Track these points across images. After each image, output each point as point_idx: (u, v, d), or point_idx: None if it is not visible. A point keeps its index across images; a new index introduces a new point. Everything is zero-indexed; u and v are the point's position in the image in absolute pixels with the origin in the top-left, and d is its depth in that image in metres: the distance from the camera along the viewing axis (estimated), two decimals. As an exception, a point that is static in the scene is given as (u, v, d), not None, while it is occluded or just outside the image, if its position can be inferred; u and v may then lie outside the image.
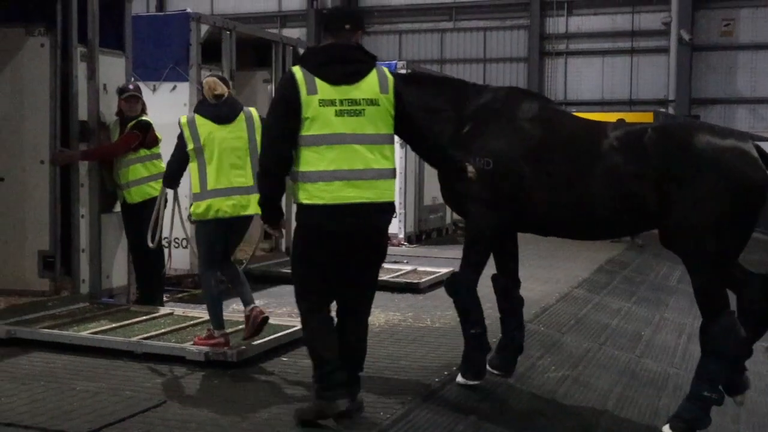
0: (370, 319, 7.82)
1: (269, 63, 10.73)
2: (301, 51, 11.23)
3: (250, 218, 6.29)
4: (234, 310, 8.19)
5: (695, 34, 25.34)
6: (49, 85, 7.50)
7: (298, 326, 6.88)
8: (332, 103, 4.42)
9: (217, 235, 6.17)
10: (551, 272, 10.82)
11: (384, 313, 8.08)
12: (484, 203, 5.61)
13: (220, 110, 6.11)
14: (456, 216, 12.74)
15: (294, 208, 4.82)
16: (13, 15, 7.72)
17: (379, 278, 9.84)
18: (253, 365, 6.06)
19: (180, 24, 9.16)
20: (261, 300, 8.75)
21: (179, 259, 8.95)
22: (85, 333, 6.51)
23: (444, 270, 10.47)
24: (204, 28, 9.29)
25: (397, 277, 9.88)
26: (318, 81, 4.42)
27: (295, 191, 4.54)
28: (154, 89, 8.83)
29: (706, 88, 25.70)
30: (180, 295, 8.71)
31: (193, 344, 6.19)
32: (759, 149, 5.21)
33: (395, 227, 14.06)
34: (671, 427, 5.15)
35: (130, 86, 7.74)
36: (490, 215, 5.63)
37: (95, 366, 6.01)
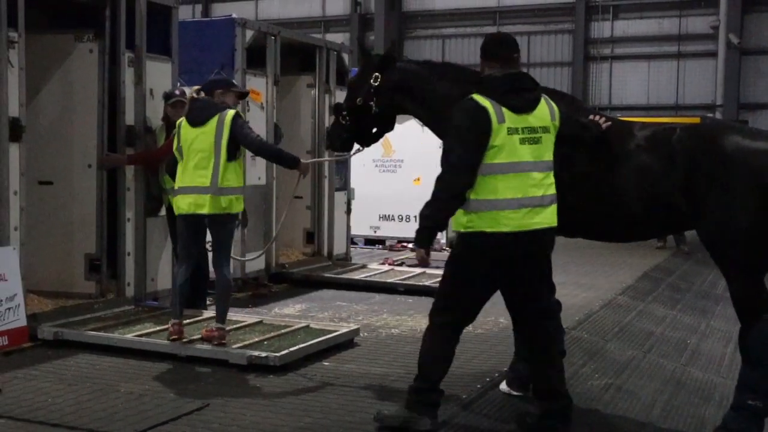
0: (413, 324, 7.89)
1: (313, 68, 10.78)
2: (346, 56, 11.29)
3: (214, 218, 6.38)
4: (276, 314, 8.25)
5: (744, 37, 24.92)
6: (97, 90, 7.62)
7: (340, 331, 6.95)
8: (516, 131, 4.48)
9: (184, 232, 6.55)
10: (594, 279, 10.70)
11: (426, 319, 8.05)
12: None
13: (192, 113, 6.47)
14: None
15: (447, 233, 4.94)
16: (62, 22, 7.86)
17: (422, 283, 9.92)
18: (295, 369, 6.08)
19: (225, 29, 9.25)
20: (302, 304, 8.83)
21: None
22: (129, 336, 6.60)
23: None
24: (249, 34, 9.37)
25: (438, 282, 9.83)
26: (504, 109, 4.48)
27: (471, 218, 4.53)
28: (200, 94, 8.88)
29: (754, 92, 25.24)
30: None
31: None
32: None
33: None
34: (718, 438, 5.06)
35: (177, 92, 7.82)
36: None
37: (140, 368, 6.09)
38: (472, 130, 4.49)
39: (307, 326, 7.15)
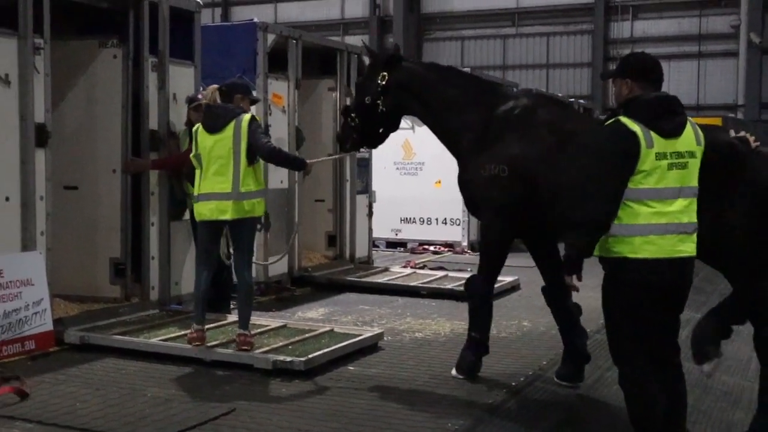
0: (436, 327, 7.87)
1: (333, 71, 10.79)
2: (366, 59, 11.29)
3: (236, 223, 6.42)
4: (300, 317, 8.26)
5: (765, 36, 24.74)
6: (121, 96, 7.66)
7: (364, 335, 6.95)
8: (665, 156, 4.32)
9: (205, 237, 6.59)
10: (618, 281, 10.60)
11: (449, 322, 8.06)
12: (497, 209, 5.87)
13: (209, 120, 6.48)
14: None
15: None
16: (87, 28, 7.91)
17: (444, 286, 9.88)
18: (321, 374, 6.08)
19: (247, 33, 9.28)
20: (326, 308, 8.83)
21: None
22: (155, 340, 6.62)
23: (508, 278, 10.40)
24: (271, 38, 9.39)
25: (461, 285, 9.82)
26: (653, 134, 4.32)
27: (613, 243, 4.35)
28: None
29: (776, 91, 25.09)
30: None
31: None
32: None
33: (458, 235, 14.04)
34: (747, 443, 5.01)
35: (199, 96, 7.85)
36: (501, 221, 5.90)
37: (165, 372, 6.11)
38: (618, 155, 4.30)
39: (331, 330, 7.15)
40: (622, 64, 4.63)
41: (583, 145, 4.55)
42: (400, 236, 14.28)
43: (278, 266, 9.38)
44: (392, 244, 14.24)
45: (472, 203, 6.18)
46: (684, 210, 4.38)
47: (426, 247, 14.00)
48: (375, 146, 6.72)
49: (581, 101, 20.43)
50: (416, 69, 6.39)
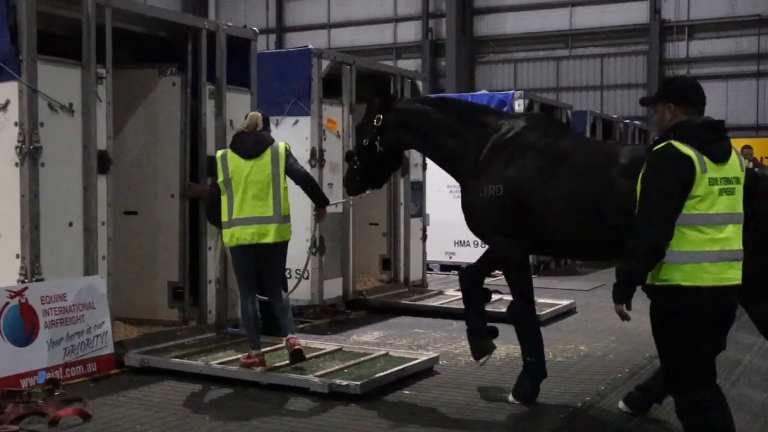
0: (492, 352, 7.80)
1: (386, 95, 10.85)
2: (419, 83, 11.36)
3: (277, 246, 6.63)
4: (355, 341, 8.28)
5: (826, 55, 24.27)
6: (179, 122, 7.82)
7: (419, 359, 6.93)
8: (716, 181, 4.31)
9: (245, 262, 6.67)
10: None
11: (504, 346, 7.96)
12: (496, 228, 6.01)
13: (245, 145, 6.60)
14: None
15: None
16: (147, 56, 8.10)
17: (499, 310, 9.83)
18: (376, 398, 6.09)
19: (302, 60, 9.39)
20: (380, 331, 8.84)
21: (301, 290, 9.12)
22: (213, 363, 6.69)
23: (564, 302, 10.30)
24: (325, 63, 9.50)
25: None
26: (705, 159, 4.30)
27: (666, 270, 4.28)
28: (277, 124, 9.02)
29: (838, 111, 24.54)
30: (302, 326, 8.84)
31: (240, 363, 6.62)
32: None
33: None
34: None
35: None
36: (504, 239, 6.02)
37: (223, 396, 6.17)
38: (674, 179, 4.26)
39: (387, 354, 7.15)
40: (665, 88, 4.58)
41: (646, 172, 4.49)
42: (454, 259, 14.22)
43: (333, 289, 9.43)
44: (446, 267, 14.20)
45: (476, 226, 6.26)
46: (734, 236, 4.33)
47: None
48: (379, 186, 7.10)
49: (636, 122, 20.22)
50: (409, 105, 6.76)
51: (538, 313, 9.35)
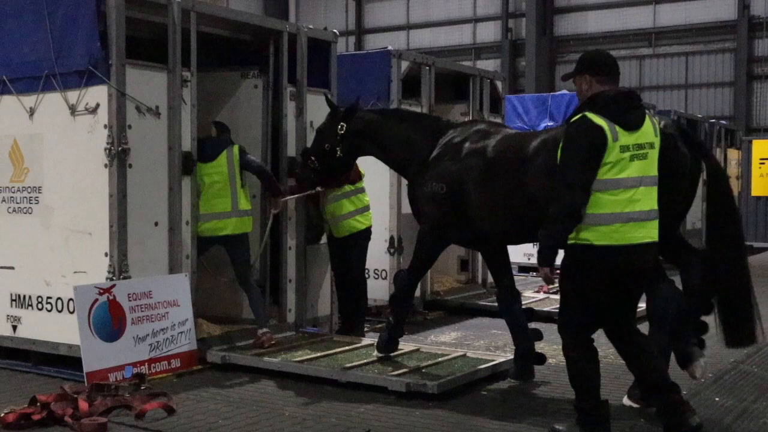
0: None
1: (466, 96, 10.85)
2: (499, 83, 11.31)
3: (236, 238, 7.35)
4: (432, 341, 8.29)
5: None
6: (261, 124, 7.96)
7: (497, 360, 6.91)
8: (628, 148, 4.73)
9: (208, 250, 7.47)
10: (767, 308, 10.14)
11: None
12: (434, 220, 6.54)
13: (203, 151, 7.20)
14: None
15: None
16: (230, 60, 8.28)
17: (548, 309, 9.73)
18: (454, 398, 6.09)
19: (382, 61, 9.46)
20: (458, 332, 8.83)
21: (379, 291, 9.19)
22: (292, 360, 6.80)
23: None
24: (404, 65, 9.54)
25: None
26: (617, 127, 4.72)
27: (579, 231, 4.77)
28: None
29: None
30: (380, 326, 8.88)
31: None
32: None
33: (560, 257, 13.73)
34: None
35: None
36: (437, 231, 6.59)
37: (302, 393, 6.26)
38: (588, 148, 4.69)
39: (464, 355, 7.15)
40: (579, 61, 5.00)
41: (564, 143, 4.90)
42: (533, 261, 14.07)
43: (411, 290, 9.46)
44: (525, 269, 14.09)
45: (417, 216, 6.82)
46: (644, 198, 4.75)
47: (559, 271, 13.77)
48: (329, 185, 7.71)
49: (722, 122, 19.70)
50: (369, 116, 7.24)
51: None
